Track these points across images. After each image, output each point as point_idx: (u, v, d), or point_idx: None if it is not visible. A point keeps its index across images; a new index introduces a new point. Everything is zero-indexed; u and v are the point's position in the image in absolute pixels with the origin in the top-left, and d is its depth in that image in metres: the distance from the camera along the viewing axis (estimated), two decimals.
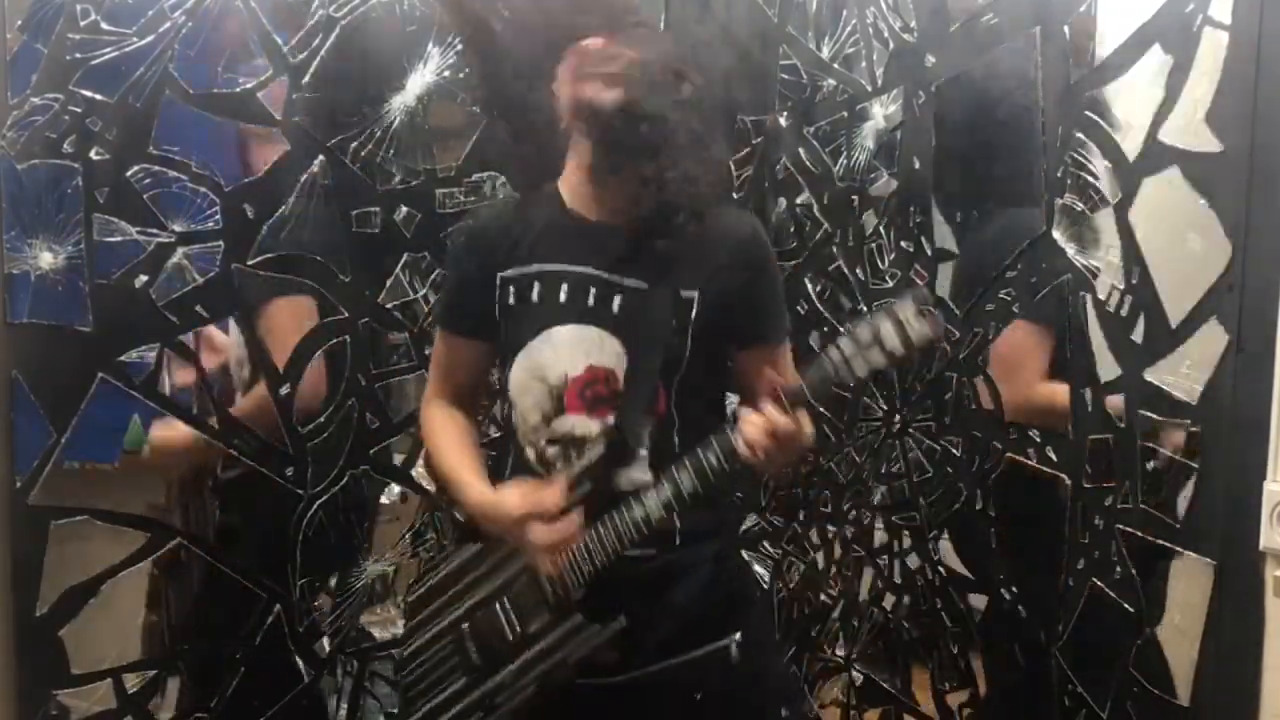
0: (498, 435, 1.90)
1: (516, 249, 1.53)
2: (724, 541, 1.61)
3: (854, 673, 2.17)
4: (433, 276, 1.94)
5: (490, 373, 1.69)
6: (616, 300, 1.49)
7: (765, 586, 2.18)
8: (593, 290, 1.49)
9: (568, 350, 1.50)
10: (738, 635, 1.53)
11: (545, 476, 1.51)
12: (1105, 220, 1.69)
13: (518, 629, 1.53)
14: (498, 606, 1.54)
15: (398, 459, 1.99)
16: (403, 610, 1.67)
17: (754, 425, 1.35)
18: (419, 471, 2.04)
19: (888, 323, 1.32)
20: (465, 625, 1.56)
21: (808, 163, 2.09)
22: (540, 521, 1.44)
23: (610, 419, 1.49)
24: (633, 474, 1.48)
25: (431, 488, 2.03)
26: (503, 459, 1.63)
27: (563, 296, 1.50)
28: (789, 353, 1.63)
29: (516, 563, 1.53)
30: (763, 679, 1.61)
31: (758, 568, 2.19)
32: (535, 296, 1.51)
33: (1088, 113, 1.71)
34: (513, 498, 1.47)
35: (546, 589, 1.49)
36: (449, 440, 1.61)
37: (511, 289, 1.53)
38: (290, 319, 1.83)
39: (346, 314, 1.86)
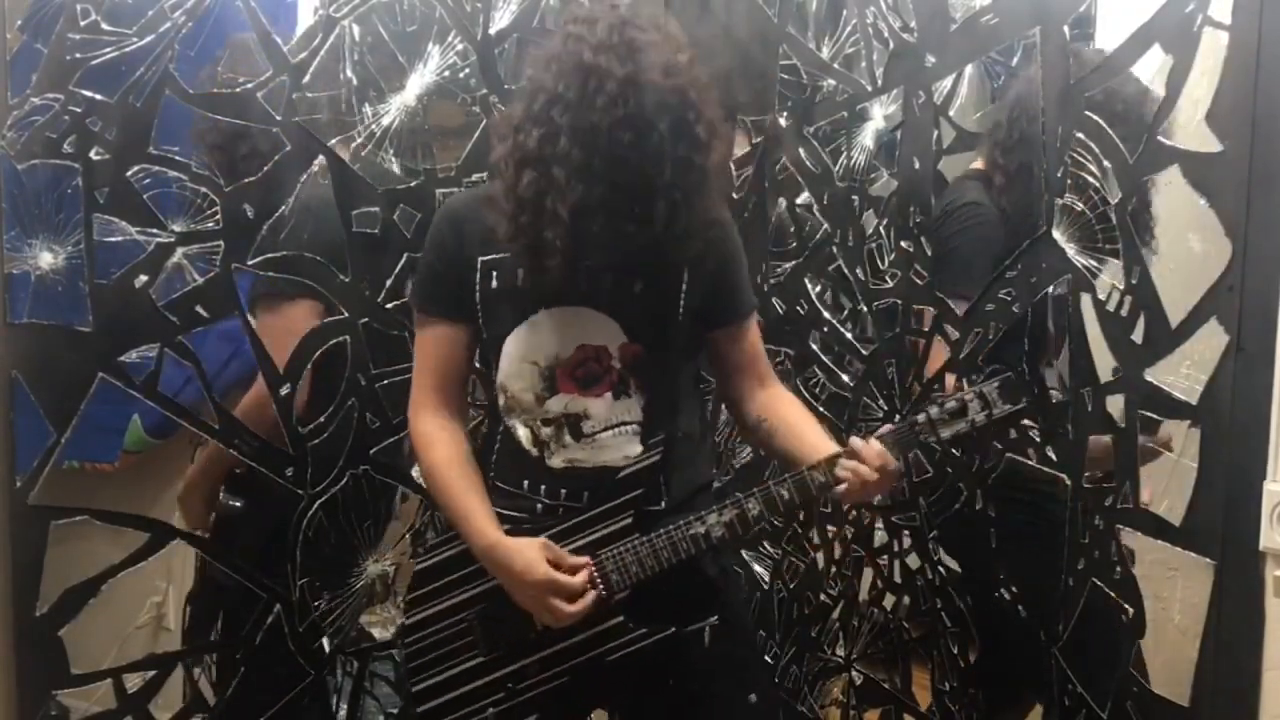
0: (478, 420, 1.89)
1: (495, 232, 1.50)
2: (708, 504, 1.62)
3: (854, 673, 2.17)
4: None
5: (474, 363, 1.66)
6: (608, 278, 1.49)
7: (765, 586, 2.19)
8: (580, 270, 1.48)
9: (557, 332, 1.51)
10: (714, 619, 1.56)
11: (538, 456, 1.53)
12: (1105, 220, 1.70)
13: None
14: None
15: None
16: (411, 576, 1.66)
17: (866, 459, 1.48)
18: (419, 471, 2.04)
19: (974, 399, 1.53)
20: (483, 607, 1.56)
21: (808, 163, 2.09)
22: (561, 599, 1.46)
23: (607, 395, 1.51)
24: (626, 449, 1.53)
25: None
26: (488, 439, 1.62)
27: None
28: (756, 328, 1.68)
29: None
30: (734, 665, 1.62)
31: (757, 567, 2.19)
32: (519, 280, 1.51)
33: (1088, 113, 1.71)
34: (537, 562, 1.46)
35: (578, 590, 1.49)
36: (452, 471, 1.55)
37: (494, 273, 1.53)
38: (299, 323, 1.82)
39: (346, 314, 1.86)
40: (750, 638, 1.97)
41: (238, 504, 1.89)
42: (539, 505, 1.54)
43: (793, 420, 1.62)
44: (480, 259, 1.53)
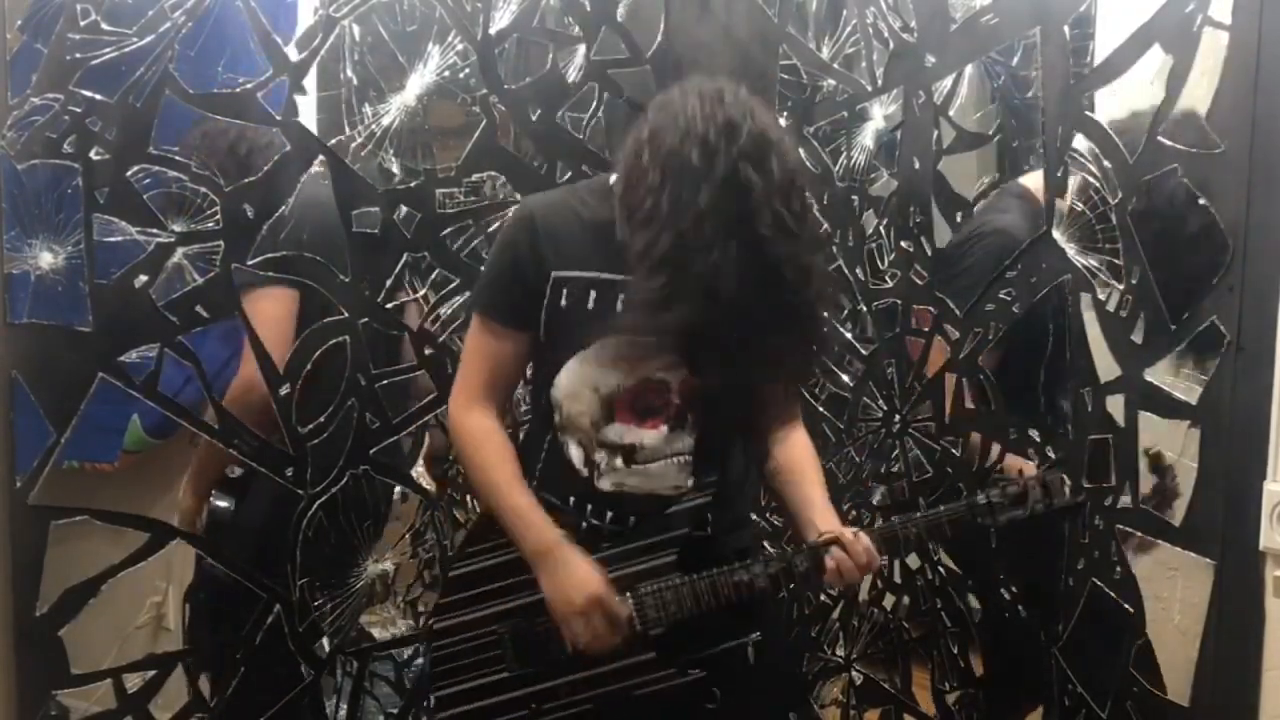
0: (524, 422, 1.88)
1: (573, 249, 1.48)
2: (747, 540, 1.63)
3: (854, 673, 2.17)
4: (433, 276, 1.94)
5: (526, 371, 1.63)
6: None
7: None
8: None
9: (621, 360, 1.48)
10: (756, 634, 1.56)
11: (587, 476, 1.52)
12: (1105, 220, 1.70)
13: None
14: None
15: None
16: (444, 581, 1.64)
17: (854, 555, 1.48)
18: (419, 471, 2.04)
19: (1037, 486, 1.56)
20: (517, 622, 1.54)
21: (808, 163, 2.09)
22: (600, 621, 1.45)
23: (662, 428, 1.50)
24: (675, 479, 1.52)
25: (431, 488, 2.03)
26: (533, 449, 1.59)
27: (619, 305, 1.46)
28: None
29: None
30: (776, 680, 1.61)
31: None
32: (590, 304, 1.48)
33: (1088, 113, 1.71)
34: (596, 577, 1.45)
35: (622, 620, 1.48)
36: (504, 470, 1.52)
37: (565, 291, 1.49)
38: (274, 308, 1.81)
39: (346, 314, 1.86)
40: (790, 655, 1.97)
41: (227, 505, 1.88)
42: (584, 524, 1.53)
43: (799, 467, 1.60)
44: (554, 274, 1.48)
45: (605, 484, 1.52)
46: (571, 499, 1.54)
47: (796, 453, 1.62)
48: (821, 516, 1.53)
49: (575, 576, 1.46)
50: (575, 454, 1.53)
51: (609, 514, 1.53)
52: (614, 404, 1.50)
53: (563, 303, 1.48)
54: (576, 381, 1.50)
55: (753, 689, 1.56)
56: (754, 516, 1.88)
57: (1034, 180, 1.93)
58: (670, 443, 1.51)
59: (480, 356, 1.56)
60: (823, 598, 2.18)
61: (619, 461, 1.51)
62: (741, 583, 1.48)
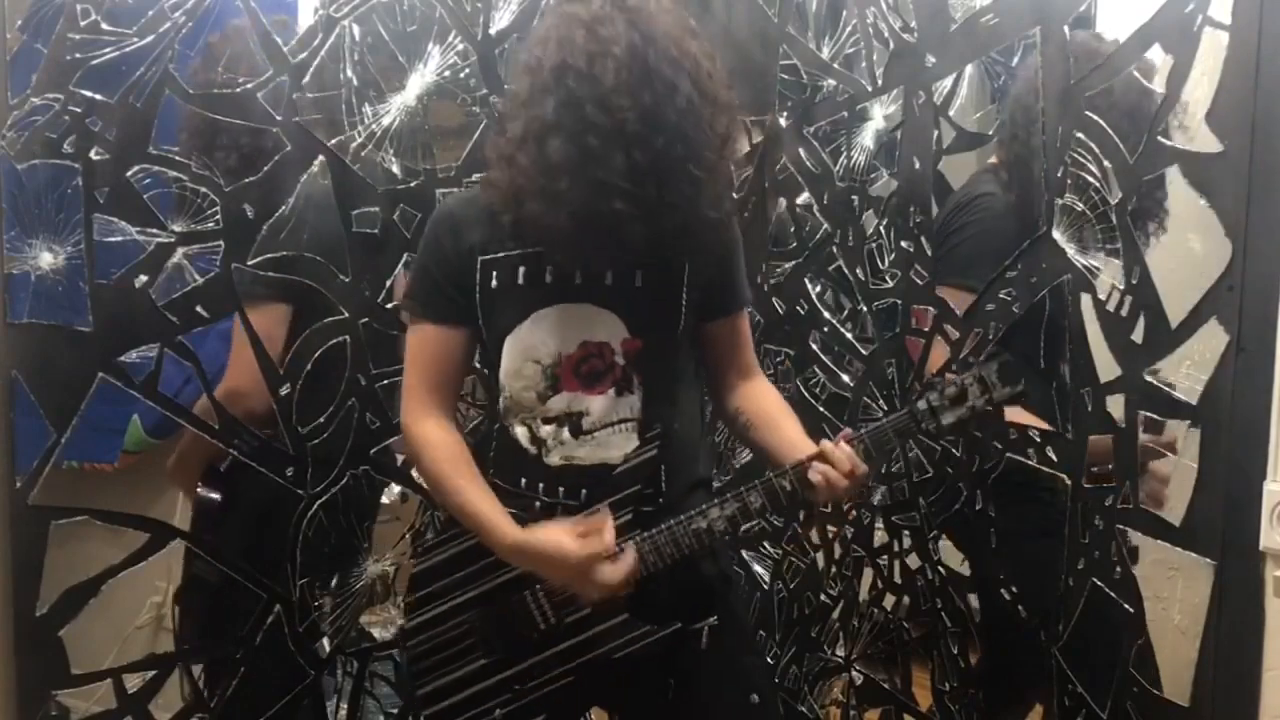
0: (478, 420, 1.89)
1: (493, 231, 1.50)
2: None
3: (854, 673, 2.17)
4: None
5: (471, 365, 1.64)
6: (609, 273, 1.48)
7: (765, 586, 2.19)
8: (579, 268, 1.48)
9: (559, 329, 1.50)
10: (713, 620, 1.56)
11: (536, 454, 1.53)
12: (1105, 220, 1.70)
13: (551, 619, 1.53)
14: (528, 595, 1.54)
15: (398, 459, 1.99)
16: (409, 580, 1.65)
17: (837, 464, 1.46)
18: (420, 474, 2.04)
19: (974, 383, 1.50)
20: (485, 608, 1.55)
21: (808, 163, 2.09)
22: (605, 562, 1.44)
23: (610, 392, 1.50)
24: (625, 446, 1.52)
25: None
26: (484, 438, 1.61)
27: (548, 277, 1.49)
28: (747, 320, 1.68)
29: None
30: (735, 666, 1.61)
31: (757, 568, 2.19)
32: (520, 279, 1.50)
33: (1088, 112, 1.71)
34: (567, 541, 1.44)
35: (609, 547, 1.46)
36: (459, 474, 1.52)
37: (494, 272, 1.51)
38: (265, 323, 1.82)
39: (346, 314, 1.86)
40: (750, 639, 1.96)
41: (215, 496, 1.88)
42: (537, 503, 1.54)
43: (770, 414, 1.61)
44: (480, 259, 1.51)
45: (554, 459, 1.53)
46: (523, 480, 1.54)
47: (764, 402, 1.62)
48: (805, 450, 1.51)
49: (553, 555, 1.45)
50: (520, 433, 1.54)
51: (560, 489, 1.53)
52: (558, 373, 1.51)
53: (493, 284, 1.50)
54: (518, 357, 1.51)
55: (709, 673, 1.56)
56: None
57: (993, 155, 2.04)
58: (617, 408, 1.51)
59: (420, 359, 1.56)
60: (822, 597, 2.18)
61: (566, 434, 1.52)
62: (700, 530, 1.48)
